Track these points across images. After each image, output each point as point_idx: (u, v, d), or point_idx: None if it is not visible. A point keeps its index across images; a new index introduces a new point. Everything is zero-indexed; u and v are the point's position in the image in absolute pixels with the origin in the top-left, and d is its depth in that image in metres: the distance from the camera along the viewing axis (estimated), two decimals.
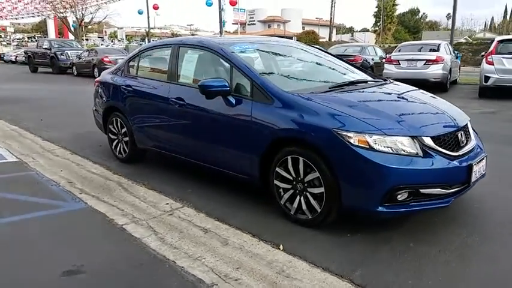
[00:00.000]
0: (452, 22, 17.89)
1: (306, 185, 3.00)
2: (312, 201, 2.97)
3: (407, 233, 2.98)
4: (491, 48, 9.73)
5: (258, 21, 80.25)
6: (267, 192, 3.43)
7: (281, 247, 2.82)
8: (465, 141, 3.03)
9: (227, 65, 3.60)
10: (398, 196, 2.68)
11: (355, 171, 2.70)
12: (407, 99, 3.36)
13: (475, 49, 31.62)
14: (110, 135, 5.03)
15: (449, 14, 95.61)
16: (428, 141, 2.76)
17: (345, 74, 3.94)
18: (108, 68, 17.84)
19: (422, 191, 2.71)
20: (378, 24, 53.56)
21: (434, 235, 2.96)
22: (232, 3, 26.45)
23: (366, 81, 3.73)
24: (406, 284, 2.38)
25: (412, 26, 63.60)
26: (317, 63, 4.09)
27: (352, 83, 3.61)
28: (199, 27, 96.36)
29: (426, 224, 3.11)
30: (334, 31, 61.08)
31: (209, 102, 3.56)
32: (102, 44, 47.32)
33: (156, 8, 35.24)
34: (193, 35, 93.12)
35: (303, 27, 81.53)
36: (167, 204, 3.66)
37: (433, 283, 2.38)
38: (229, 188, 3.97)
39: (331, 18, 60.82)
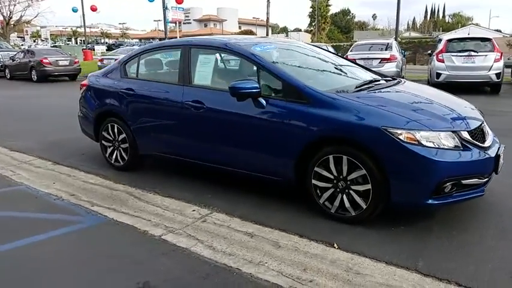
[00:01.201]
0: (396, 23, 19.07)
1: (348, 182, 3.07)
2: (357, 199, 3.05)
3: (444, 223, 3.16)
4: (442, 46, 10.54)
5: (194, 20, 79.44)
6: (301, 192, 3.47)
7: (335, 245, 2.87)
8: (488, 134, 3.28)
9: (253, 66, 3.56)
10: (445, 188, 2.84)
11: (406, 167, 2.82)
12: (433, 96, 3.56)
13: (404, 48, 33.88)
14: (104, 142, 4.75)
15: (374, 14, 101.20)
16: (465, 135, 2.96)
17: (358, 73, 4.06)
18: (48, 69, 16.79)
19: (464, 182, 2.90)
20: (313, 24, 55.31)
21: (469, 223, 3.17)
22: (179, 1, 25.86)
23: (384, 80, 3.89)
24: (468, 269, 2.54)
25: (344, 26, 66.63)
26: (330, 62, 4.18)
27: (372, 81, 3.75)
28: (130, 26, 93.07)
29: (456, 213, 3.32)
30: (270, 31, 62.09)
31: (235, 104, 3.50)
32: (22, 45, 43.77)
33: (94, 9, 33.42)
34: (124, 34, 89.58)
35: (240, 27, 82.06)
36: (193, 211, 3.55)
37: (493, 266, 2.56)
38: (248, 189, 3.94)
39: (267, 18, 61.80)
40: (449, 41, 10.66)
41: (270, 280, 2.47)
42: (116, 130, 4.56)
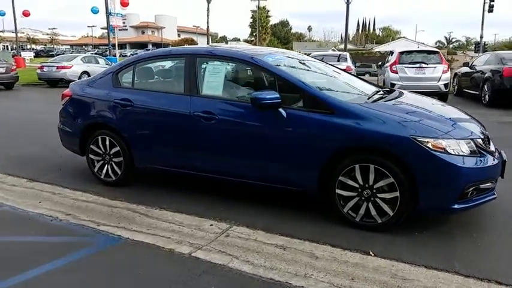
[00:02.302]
0: (345, 36, 19.91)
1: (374, 191, 3.14)
2: (384, 206, 3.13)
3: (462, 226, 3.34)
4: (395, 58, 11.22)
5: (131, 26, 77.06)
6: (321, 202, 3.49)
7: (371, 253, 2.92)
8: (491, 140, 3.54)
9: (269, 77, 3.54)
10: (468, 193, 3.02)
11: (435, 174, 2.95)
12: (439, 106, 3.76)
13: None
14: (92, 156, 4.44)
15: (310, 26, 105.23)
16: (480, 142, 3.17)
17: (360, 83, 4.19)
18: None
19: (481, 186, 3.10)
20: (254, 34, 56.20)
21: (484, 224, 3.39)
22: (124, 4, 24.97)
23: (386, 91, 4.04)
24: (502, 268, 2.70)
25: (283, 36, 68.45)
26: (331, 72, 4.26)
27: (379, 92, 3.89)
28: (59, 31, 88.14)
29: (468, 217, 3.51)
30: (210, 40, 62.03)
31: (251, 115, 3.46)
32: None
33: (26, 14, 31.16)
34: (53, 40, 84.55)
35: (179, 35, 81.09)
36: (211, 225, 3.43)
37: None
38: (260, 201, 3.90)
39: (207, 26, 61.70)
40: (401, 53, 11.39)
41: None
42: (107, 143, 4.28)
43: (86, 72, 18.10)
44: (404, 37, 61.15)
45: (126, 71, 4.31)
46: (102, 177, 4.43)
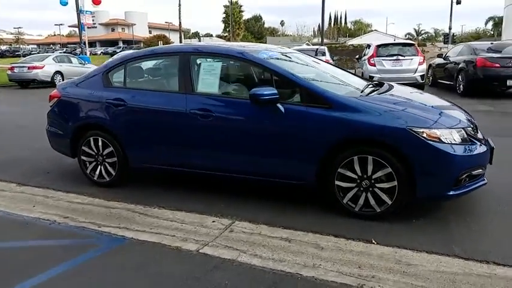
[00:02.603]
0: (322, 28, 20.09)
1: (373, 181, 3.25)
2: (382, 196, 3.24)
3: (455, 212, 3.49)
4: (372, 52, 11.45)
5: (100, 24, 75.17)
6: (320, 194, 3.58)
7: (373, 241, 3.02)
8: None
9: (265, 73, 3.59)
10: (462, 180, 3.16)
11: (431, 163, 3.08)
12: (428, 97, 3.89)
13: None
14: (84, 157, 4.38)
15: (282, 21, 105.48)
16: (470, 130, 3.32)
17: (350, 77, 4.29)
18: None
19: (473, 172, 3.25)
20: (227, 29, 55.95)
21: (476, 209, 3.54)
22: (96, 2, 24.37)
23: (377, 85, 4.15)
24: (498, 249, 2.85)
25: (257, 31, 68.44)
26: (321, 67, 4.33)
27: (370, 86, 3.99)
28: (24, 30, 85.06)
29: (459, 203, 3.65)
30: (183, 36, 61.35)
31: (249, 111, 3.51)
32: None
33: None
34: (18, 39, 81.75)
35: (150, 31, 79.70)
36: (214, 222, 3.47)
37: None
38: (258, 195, 3.95)
39: (180, 22, 60.96)
40: (379, 46, 11.64)
41: (337, 280, 2.53)
42: (100, 144, 4.24)
43: (58, 72, 17.65)
44: (376, 30, 62.26)
45: (116, 70, 4.26)
46: (95, 178, 4.38)
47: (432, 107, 3.48)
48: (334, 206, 3.49)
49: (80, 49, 24.87)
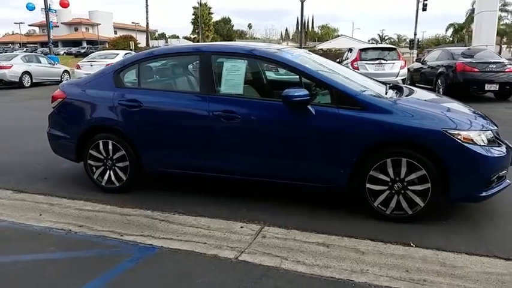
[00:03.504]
0: (300, 34, 20.20)
1: (405, 183, 3.24)
2: (416, 198, 3.24)
3: (479, 213, 3.54)
4: (356, 55, 11.62)
5: (62, 23, 72.52)
6: (349, 197, 3.54)
7: (412, 244, 3.01)
8: None
9: (293, 74, 3.52)
10: (492, 181, 3.21)
11: (466, 165, 3.11)
12: (449, 100, 3.94)
13: None
14: (91, 162, 4.14)
15: (250, 24, 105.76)
16: (495, 132, 3.38)
17: (367, 80, 4.28)
18: None
19: (500, 173, 3.31)
20: (197, 31, 55.45)
21: (497, 209, 3.61)
22: (64, 5, 23.45)
23: (397, 88, 4.16)
24: None
25: (226, 34, 68.20)
26: (342, 71, 4.29)
27: (392, 88, 4.00)
28: None
29: (477, 205, 3.71)
30: (149, 37, 60.20)
31: (278, 113, 3.44)
32: None
33: None
34: None
35: (115, 32, 77.66)
36: (242, 228, 3.36)
37: None
38: (277, 199, 3.88)
39: (147, 23, 59.81)
40: (362, 50, 11.84)
41: (391, 285, 2.50)
42: (110, 147, 4.02)
43: (27, 73, 16.86)
44: (344, 35, 63.62)
45: (129, 70, 4.06)
46: (103, 184, 4.16)
47: (459, 110, 3.53)
48: (361, 208, 3.47)
49: (47, 49, 23.79)
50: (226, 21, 71.16)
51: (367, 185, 3.33)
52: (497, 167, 3.22)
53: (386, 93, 3.75)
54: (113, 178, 4.10)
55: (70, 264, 2.80)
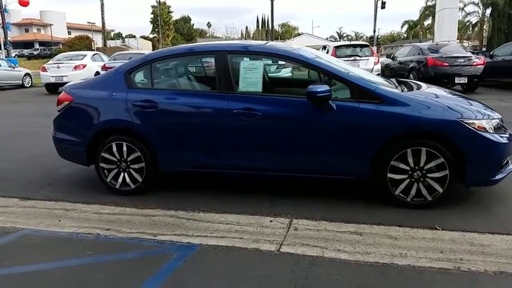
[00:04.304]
0: (272, 30, 20.37)
1: (424, 171, 3.44)
2: (435, 185, 3.44)
3: (486, 195, 3.80)
4: (331, 52, 11.92)
5: (12, 24, 68.85)
6: (369, 187, 3.70)
7: (438, 227, 3.20)
8: None
9: (311, 71, 3.62)
10: (504, 165, 3.47)
11: (481, 152, 3.34)
12: (453, 93, 4.17)
13: None
14: (103, 165, 4.07)
15: (209, 22, 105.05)
16: (501, 120, 3.64)
17: (374, 76, 4.46)
18: None
19: (508, 158, 3.57)
20: (156, 30, 54.47)
21: (500, 193, 3.88)
22: (23, 4, 22.34)
23: (403, 82, 4.35)
24: None
25: (186, 33, 67.45)
26: (349, 67, 4.44)
27: (400, 83, 4.19)
28: None
29: (480, 188, 3.97)
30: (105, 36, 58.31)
31: (299, 109, 3.54)
32: None
33: None
34: None
35: (69, 32, 74.80)
36: (271, 221, 3.43)
37: None
38: (296, 191, 3.99)
39: (103, 23, 57.99)
40: (337, 47, 12.17)
41: (433, 266, 2.66)
42: (124, 149, 3.97)
43: None
44: (306, 33, 64.71)
45: (140, 70, 4.02)
46: (117, 186, 4.09)
47: (468, 101, 3.76)
48: (380, 197, 3.64)
49: (5, 50, 22.64)
50: (186, 20, 70.36)
51: (389, 175, 3.49)
52: (508, 152, 3.48)
53: (397, 87, 3.93)
54: (128, 180, 4.05)
55: (117, 266, 2.77)
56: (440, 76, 10.71)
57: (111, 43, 60.23)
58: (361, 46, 12.39)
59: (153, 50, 50.15)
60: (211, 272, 2.66)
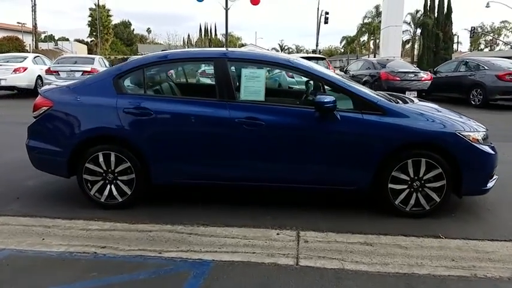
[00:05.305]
0: (226, 38, 20.22)
1: (423, 182, 3.55)
2: (433, 195, 3.56)
3: (472, 204, 4.01)
4: None
5: None
6: (369, 197, 3.74)
7: (441, 236, 3.31)
8: None
9: (314, 81, 3.62)
10: (492, 175, 3.68)
11: (475, 162, 3.51)
12: (442, 108, 4.35)
13: None
14: (87, 176, 3.74)
15: (149, 28, 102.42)
16: (487, 134, 3.88)
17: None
18: None
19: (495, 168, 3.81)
20: (95, 33, 52.10)
21: (484, 200, 4.11)
22: None
23: (393, 96, 4.47)
24: None
25: (126, 38, 65.28)
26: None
27: (391, 96, 4.31)
28: None
29: (467, 198, 4.17)
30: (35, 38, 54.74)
31: (303, 119, 3.53)
32: None
33: None
34: None
35: None
36: (278, 234, 3.35)
37: None
38: (294, 202, 3.95)
39: (34, 24, 54.45)
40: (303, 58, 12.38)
41: (452, 274, 2.73)
42: (112, 159, 3.68)
43: None
44: (252, 44, 65.47)
45: (132, 75, 3.78)
46: (102, 200, 3.78)
47: (458, 115, 3.95)
48: (377, 207, 3.72)
49: None
50: (126, 24, 68.10)
51: (389, 185, 3.57)
52: (496, 163, 3.70)
53: (390, 101, 4.04)
54: (115, 193, 3.76)
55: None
56: (392, 90, 11.23)
57: (42, 46, 56.55)
58: (318, 59, 12.74)
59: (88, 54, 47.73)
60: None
